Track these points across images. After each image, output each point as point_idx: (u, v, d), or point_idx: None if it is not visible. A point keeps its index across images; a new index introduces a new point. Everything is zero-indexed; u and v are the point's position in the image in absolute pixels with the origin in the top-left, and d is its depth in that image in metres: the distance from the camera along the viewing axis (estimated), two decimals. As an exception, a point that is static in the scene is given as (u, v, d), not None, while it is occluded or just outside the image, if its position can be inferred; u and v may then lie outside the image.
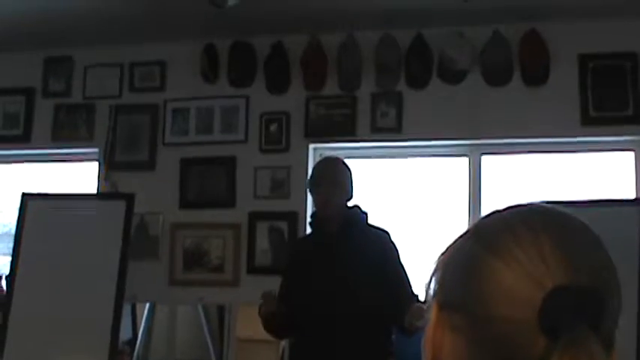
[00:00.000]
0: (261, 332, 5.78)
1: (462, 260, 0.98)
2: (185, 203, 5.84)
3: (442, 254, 1.03)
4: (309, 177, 4.36)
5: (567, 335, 0.86)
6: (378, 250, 4.11)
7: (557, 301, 0.88)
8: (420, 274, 5.47)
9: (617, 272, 0.96)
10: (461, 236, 1.02)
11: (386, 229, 4.27)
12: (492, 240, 0.96)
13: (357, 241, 4.15)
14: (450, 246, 1.03)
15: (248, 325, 5.71)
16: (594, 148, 5.44)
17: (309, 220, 4.40)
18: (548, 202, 1.02)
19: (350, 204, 4.28)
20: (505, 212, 1.01)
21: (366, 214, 4.32)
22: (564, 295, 0.88)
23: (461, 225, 5.51)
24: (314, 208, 4.45)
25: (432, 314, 1.00)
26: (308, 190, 4.34)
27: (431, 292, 1.02)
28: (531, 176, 5.53)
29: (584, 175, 5.44)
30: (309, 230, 4.46)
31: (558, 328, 0.87)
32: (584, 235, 0.97)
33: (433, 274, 1.03)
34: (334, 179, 4.20)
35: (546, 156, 5.54)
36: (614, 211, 4.73)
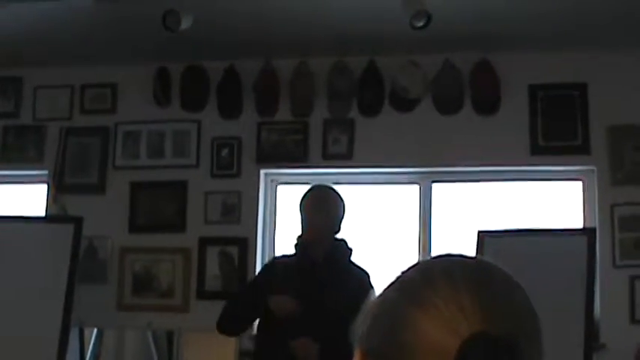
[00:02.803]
0: (210, 357, 5.79)
1: (385, 310, 1.00)
2: (135, 227, 5.80)
3: (371, 303, 1.05)
4: (301, 200, 4.39)
5: None
6: (356, 290, 4.12)
7: (472, 349, 0.90)
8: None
9: (539, 322, 0.98)
10: (386, 287, 1.04)
11: (366, 269, 4.32)
12: (413, 290, 0.98)
13: (339, 275, 4.20)
14: (379, 295, 1.04)
15: (197, 350, 5.68)
16: (543, 177, 5.51)
17: (294, 241, 4.39)
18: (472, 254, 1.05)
19: (338, 237, 4.37)
20: (427, 264, 1.04)
21: (350, 250, 4.38)
22: (479, 344, 0.90)
23: (411, 252, 5.54)
24: (301, 232, 4.43)
25: None
26: (300, 211, 4.36)
27: (357, 339, 1.04)
28: (481, 204, 5.58)
29: (533, 204, 5.50)
30: (292, 251, 4.43)
31: None
32: (503, 285, 0.99)
33: (361, 323, 1.04)
34: (323, 207, 4.28)
35: (496, 184, 5.59)
36: (563, 240, 4.80)
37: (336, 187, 5.66)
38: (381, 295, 1.04)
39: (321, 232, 4.27)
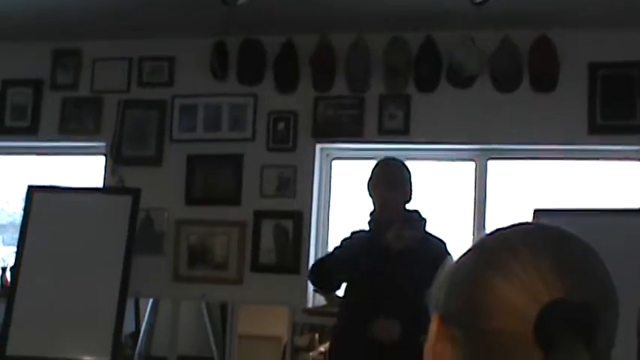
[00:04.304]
0: (263, 329, 5.85)
1: (464, 275, 1.01)
2: (191, 200, 5.85)
3: (446, 270, 1.06)
4: (370, 176, 4.35)
5: (560, 349, 0.88)
6: (432, 260, 4.05)
7: (552, 315, 0.91)
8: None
9: (615, 291, 0.99)
10: (464, 253, 1.05)
11: (443, 239, 4.28)
12: (493, 256, 0.99)
13: (416, 249, 4.14)
14: (457, 261, 1.05)
15: (250, 322, 5.75)
16: (601, 156, 5.45)
17: (368, 219, 4.37)
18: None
19: (410, 207, 4.31)
20: (507, 230, 1.04)
21: (425, 220, 4.33)
22: (559, 310, 0.91)
23: (465, 229, 5.53)
24: (373, 209, 4.39)
25: (434, 327, 1.03)
26: (368, 188, 4.32)
27: (434, 305, 1.05)
28: (537, 183, 5.54)
29: (590, 184, 5.45)
30: (365, 227, 4.41)
31: (552, 342, 0.89)
32: (583, 253, 0.99)
33: (437, 289, 1.05)
34: (393, 181, 4.23)
35: (552, 163, 5.55)
36: (620, 221, 4.75)
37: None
38: (459, 260, 1.05)
39: (394, 208, 4.23)
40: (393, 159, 4.49)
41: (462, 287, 1.00)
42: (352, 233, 4.53)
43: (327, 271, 4.36)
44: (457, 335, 0.98)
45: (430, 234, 4.32)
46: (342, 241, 4.49)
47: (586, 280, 0.95)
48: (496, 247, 1.00)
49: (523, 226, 1.05)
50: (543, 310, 0.91)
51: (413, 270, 3.99)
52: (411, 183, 4.31)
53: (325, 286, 4.71)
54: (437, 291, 1.05)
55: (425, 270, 3.98)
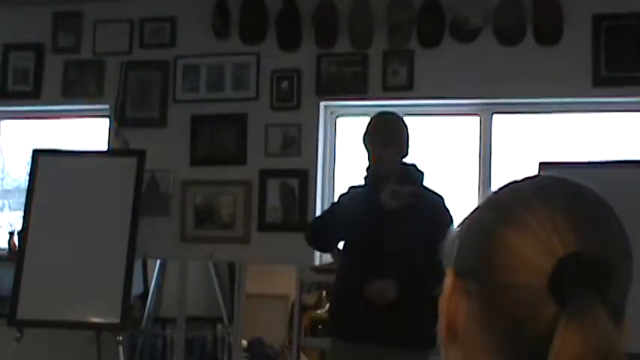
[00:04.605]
0: (270, 288, 5.88)
1: (478, 229, 1.01)
2: (196, 160, 5.86)
3: (459, 224, 1.05)
4: (365, 131, 4.26)
5: (574, 303, 0.88)
6: (430, 215, 4.01)
7: (567, 269, 0.90)
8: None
9: (629, 244, 0.98)
10: (477, 207, 1.04)
11: (440, 193, 4.22)
12: (507, 210, 0.98)
13: (411, 205, 4.07)
14: (467, 216, 1.05)
15: (258, 281, 5.77)
16: (606, 109, 5.43)
17: (364, 174, 4.31)
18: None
19: (407, 161, 4.26)
20: (520, 183, 1.03)
21: (422, 173, 4.28)
22: (574, 264, 0.90)
23: (471, 183, 5.54)
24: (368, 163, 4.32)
25: (448, 281, 1.03)
26: (364, 143, 4.24)
27: (448, 259, 1.04)
28: (542, 136, 5.54)
29: (594, 136, 5.45)
30: (362, 182, 4.35)
31: (567, 296, 0.89)
32: (597, 206, 0.98)
33: (450, 243, 1.05)
34: (388, 135, 4.15)
35: (557, 116, 5.54)
36: (625, 173, 4.75)
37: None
38: (472, 214, 1.04)
39: (389, 163, 4.17)
40: (389, 113, 4.41)
41: (476, 241, 1.00)
42: (350, 188, 4.50)
43: (322, 231, 4.34)
44: (472, 289, 0.98)
45: (428, 189, 4.25)
46: (340, 196, 4.46)
47: (601, 233, 0.95)
48: (509, 201, 1.00)
49: (536, 179, 1.05)
50: (558, 264, 0.91)
51: (410, 227, 3.99)
52: (407, 137, 4.23)
53: (320, 247, 4.73)
54: (451, 245, 1.05)
55: (422, 226, 3.96)
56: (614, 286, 0.92)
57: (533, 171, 4.75)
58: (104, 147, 6.04)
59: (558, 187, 1.00)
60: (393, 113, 4.38)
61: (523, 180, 1.04)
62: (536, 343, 0.90)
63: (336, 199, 4.55)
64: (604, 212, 0.98)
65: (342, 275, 4.26)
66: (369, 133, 4.23)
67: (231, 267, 5.91)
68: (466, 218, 1.05)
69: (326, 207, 5.52)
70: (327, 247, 4.64)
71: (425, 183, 4.30)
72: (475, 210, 1.04)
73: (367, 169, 4.30)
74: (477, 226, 1.01)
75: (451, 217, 4.07)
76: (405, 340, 3.97)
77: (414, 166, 4.27)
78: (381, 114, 4.36)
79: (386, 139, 4.15)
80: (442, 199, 4.18)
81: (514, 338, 0.93)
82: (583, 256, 0.91)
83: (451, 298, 1.01)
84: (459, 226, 1.05)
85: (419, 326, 3.98)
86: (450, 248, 1.05)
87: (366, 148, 4.23)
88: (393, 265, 3.96)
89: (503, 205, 1.00)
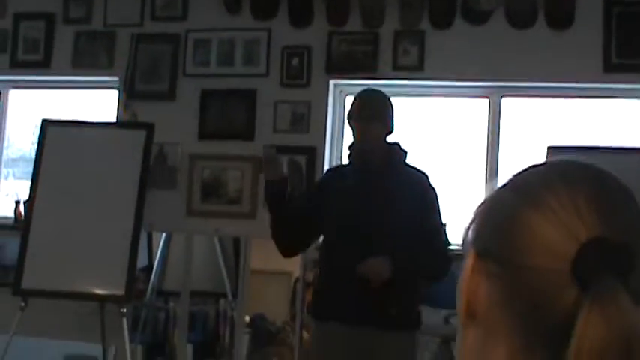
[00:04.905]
0: (275, 264, 5.88)
1: (500, 211, 1.01)
2: (204, 134, 5.86)
3: (479, 205, 1.05)
4: (350, 108, 4.18)
5: (597, 287, 0.88)
6: (416, 192, 3.99)
7: (590, 253, 0.90)
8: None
9: None
10: (498, 189, 1.04)
11: (424, 170, 4.16)
12: (530, 193, 0.98)
13: (397, 179, 4.03)
14: (487, 198, 1.05)
15: (263, 257, 5.77)
16: (615, 95, 5.43)
17: (347, 151, 4.23)
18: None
19: (390, 140, 4.17)
20: (542, 167, 1.04)
21: (405, 152, 4.22)
22: (597, 248, 0.91)
23: (478, 165, 5.55)
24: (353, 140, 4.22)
25: (469, 262, 1.02)
26: (349, 120, 4.17)
27: (468, 240, 1.04)
28: (551, 120, 5.54)
29: (603, 122, 5.45)
30: (346, 161, 4.28)
31: (589, 279, 0.89)
32: (618, 191, 0.99)
33: (470, 224, 1.05)
34: (372, 112, 4.07)
35: (567, 101, 5.55)
36: (633, 159, 4.74)
37: (405, 98, 5.72)
38: (492, 196, 1.04)
39: (367, 136, 4.05)
40: (374, 90, 4.36)
41: (497, 223, 1.00)
42: (328, 171, 4.48)
43: (281, 236, 4.22)
44: (493, 270, 0.98)
45: (412, 167, 4.18)
46: (319, 181, 4.45)
47: (623, 218, 0.95)
48: (532, 184, 1.00)
49: (558, 163, 1.04)
50: (582, 248, 0.91)
51: (398, 204, 3.93)
52: (392, 114, 4.14)
53: (292, 251, 4.43)
54: (471, 227, 1.04)
55: (410, 204, 3.92)
56: (637, 271, 0.92)
57: (542, 155, 4.77)
58: (113, 119, 6.03)
59: (581, 171, 1.00)
60: (377, 90, 4.32)
61: (544, 163, 1.04)
62: (556, 326, 0.91)
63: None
64: (626, 198, 0.98)
65: (331, 256, 4.12)
66: (353, 110, 4.15)
67: (236, 242, 5.92)
68: (485, 200, 1.05)
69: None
70: (298, 246, 4.40)
71: (408, 161, 4.20)
72: (495, 192, 1.04)
73: (350, 147, 4.21)
74: (499, 208, 1.01)
75: (436, 193, 4.02)
76: (398, 320, 3.90)
77: (397, 144, 4.22)
78: (365, 91, 4.29)
79: (371, 115, 4.06)
80: (426, 176, 4.10)
81: (534, 320, 0.94)
82: (606, 241, 0.91)
83: (471, 279, 1.01)
84: (478, 208, 1.05)
85: (409, 306, 3.97)
86: (470, 230, 1.05)
87: (351, 126, 4.15)
88: (382, 244, 3.86)
89: (526, 188, 1.00)
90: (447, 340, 6.33)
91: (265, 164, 4.12)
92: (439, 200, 4.03)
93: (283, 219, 4.15)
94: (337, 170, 4.44)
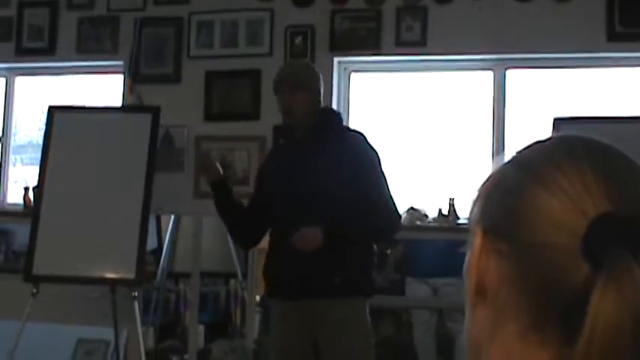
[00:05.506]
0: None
1: (506, 188, 1.00)
2: (210, 116, 5.86)
3: (484, 182, 1.04)
4: (274, 80, 4.12)
5: (610, 262, 0.87)
6: (350, 155, 3.91)
7: (600, 229, 0.89)
8: (443, 186, 5.52)
9: None
10: (503, 165, 1.03)
11: (361, 131, 4.08)
12: (536, 169, 0.97)
13: (329, 146, 3.94)
14: (492, 174, 1.04)
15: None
16: (620, 64, 5.42)
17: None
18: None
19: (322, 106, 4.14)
20: (547, 142, 1.02)
21: (338, 114, 4.19)
22: (607, 224, 0.89)
23: (484, 139, 5.54)
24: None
25: (476, 240, 1.01)
26: (275, 92, 4.11)
27: (474, 218, 1.03)
28: (556, 91, 5.53)
29: (608, 91, 5.44)
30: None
31: (601, 255, 0.88)
32: (626, 165, 0.97)
33: (476, 201, 1.04)
34: (296, 83, 4.01)
35: (571, 71, 5.53)
36: (639, 128, 4.74)
37: (409, 74, 5.72)
38: (499, 173, 1.03)
39: (293, 109, 3.99)
40: (297, 61, 4.31)
41: (505, 201, 0.98)
42: (269, 151, 4.53)
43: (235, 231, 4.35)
44: (502, 248, 0.97)
45: (348, 128, 4.16)
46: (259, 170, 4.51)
47: (633, 192, 0.93)
48: (538, 160, 0.99)
49: (563, 138, 1.02)
50: (592, 224, 0.90)
51: (334, 168, 3.87)
52: (318, 83, 4.09)
53: (249, 243, 4.51)
54: (478, 204, 1.03)
55: (342, 169, 3.86)
56: None
57: (548, 126, 4.77)
58: (118, 103, 6.05)
59: (587, 146, 0.98)
60: (301, 60, 4.26)
61: (550, 139, 1.03)
62: (567, 303, 0.90)
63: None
64: (634, 173, 0.97)
65: (273, 233, 4.11)
66: (276, 82, 4.09)
67: (245, 222, 5.92)
68: (490, 177, 1.04)
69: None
70: (256, 234, 4.34)
71: (344, 124, 4.18)
72: (501, 169, 1.03)
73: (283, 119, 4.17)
74: (505, 186, 1.00)
75: (376, 152, 3.97)
76: (343, 288, 3.83)
77: (329, 108, 4.17)
78: (289, 61, 4.25)
79: (294, 86, 4.00)
80: (364, 136, 4.03)
81: (545, 298, 0.93)
82: (616, 216, 0.90)
83: (480, 258, 1.00)
84: (483, 185, 1.05)
85: (355, 273, 3.90)
86: (477, 207, 1.03)
87: (277, 96, 4.10)
88: (318, 213, 3.79)
89: (532, 165, 0.99)
90: (439, 312, 6.35)
91: (205, 170, 4.21)
92: (380, 159, 3.97)
93: (233, 212, 4.26)
94: (272, 150, 4.46)
